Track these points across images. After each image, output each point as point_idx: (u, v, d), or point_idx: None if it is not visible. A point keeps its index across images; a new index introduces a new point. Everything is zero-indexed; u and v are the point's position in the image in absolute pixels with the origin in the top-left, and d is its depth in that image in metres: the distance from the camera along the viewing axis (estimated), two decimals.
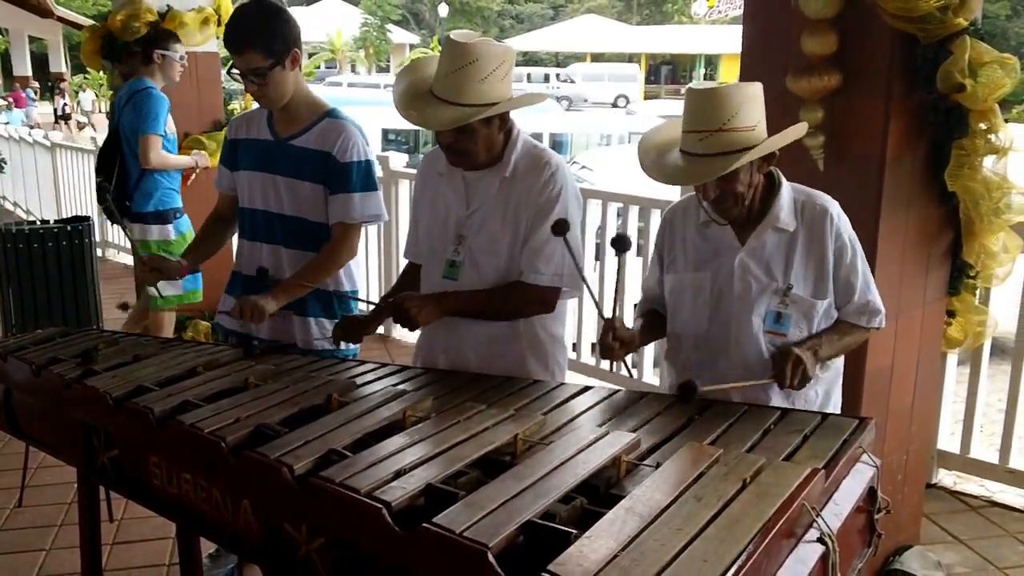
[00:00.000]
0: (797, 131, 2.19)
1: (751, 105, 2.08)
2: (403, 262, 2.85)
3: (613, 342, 2.21)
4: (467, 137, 2.38)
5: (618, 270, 2.25)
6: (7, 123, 16.40)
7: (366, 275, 6.14)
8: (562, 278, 2.46)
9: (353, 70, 41.15)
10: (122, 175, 4.75)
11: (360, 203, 2.79)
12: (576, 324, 5.01)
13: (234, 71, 2.71)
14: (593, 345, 5.02)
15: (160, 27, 5.13)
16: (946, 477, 3.95)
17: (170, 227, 4.79)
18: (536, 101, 2.55)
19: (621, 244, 2.18)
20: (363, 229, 2.94)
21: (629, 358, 2.36)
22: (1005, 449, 3.75)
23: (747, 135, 2.07)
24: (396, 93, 2.43)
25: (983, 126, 2.72)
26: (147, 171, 4.67)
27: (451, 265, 2.53)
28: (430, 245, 2.62)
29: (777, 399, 2.26)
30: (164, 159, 4.68)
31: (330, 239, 2.81)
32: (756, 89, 2.11)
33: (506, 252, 2.48)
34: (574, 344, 5.07)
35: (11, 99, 25.14)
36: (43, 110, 28.54)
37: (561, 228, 2.26)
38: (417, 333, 2.69)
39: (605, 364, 4.83)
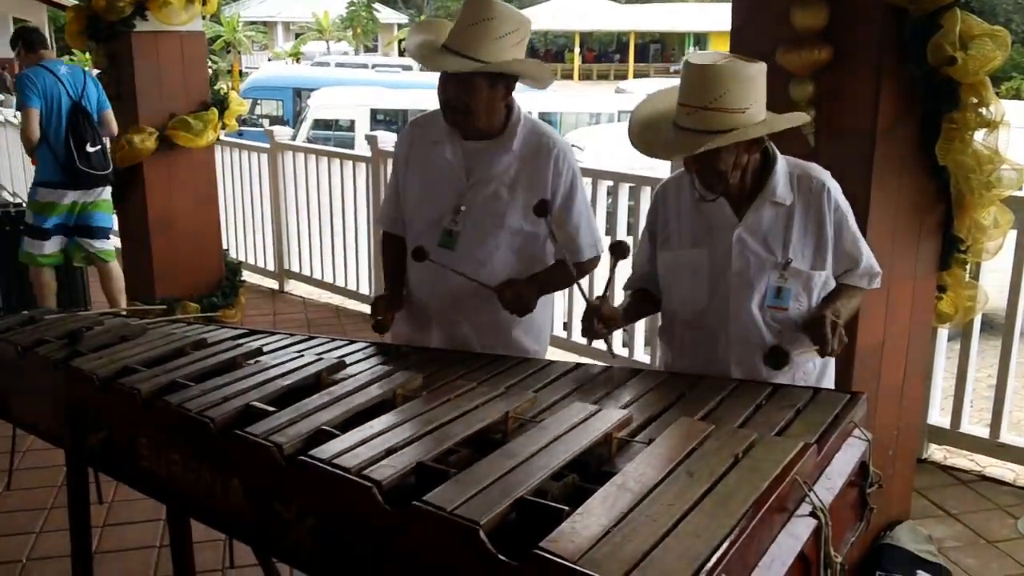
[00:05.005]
0: (787, 121, 2.12)
1: (745, 86, 2.01)
2: None
3: (598, 325, 2.27)
4: (470, 94, 2.38)
5: (611, 269, 2.27)
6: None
7: (355, 253, 6.11)
8: (596, 246, 2.65)
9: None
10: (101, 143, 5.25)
11: None
12: (567, 305, 4.99)
13: None
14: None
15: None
16: (937, 452, 3.96)
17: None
18: (544, 74, 2.55)
19: (620, 250, 2.25)
20: None
21: (617, 335, 2.38)
22: (995, 424, 3.76)
23: (733, 117, 2.01)
24: (411, 43, 2.46)
25: (974, 99, 2.69)
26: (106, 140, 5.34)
27: (448, 234, 2.52)
28: (422, 214, 2.59)
29: (777, 373, 2.24)
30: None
31: None
32: (754, 70, 2.03)
33: (508, 225, 2.49)
34: (565, 323, 5.06)
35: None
36: None
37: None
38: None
39: (598, 344, 4.80)
